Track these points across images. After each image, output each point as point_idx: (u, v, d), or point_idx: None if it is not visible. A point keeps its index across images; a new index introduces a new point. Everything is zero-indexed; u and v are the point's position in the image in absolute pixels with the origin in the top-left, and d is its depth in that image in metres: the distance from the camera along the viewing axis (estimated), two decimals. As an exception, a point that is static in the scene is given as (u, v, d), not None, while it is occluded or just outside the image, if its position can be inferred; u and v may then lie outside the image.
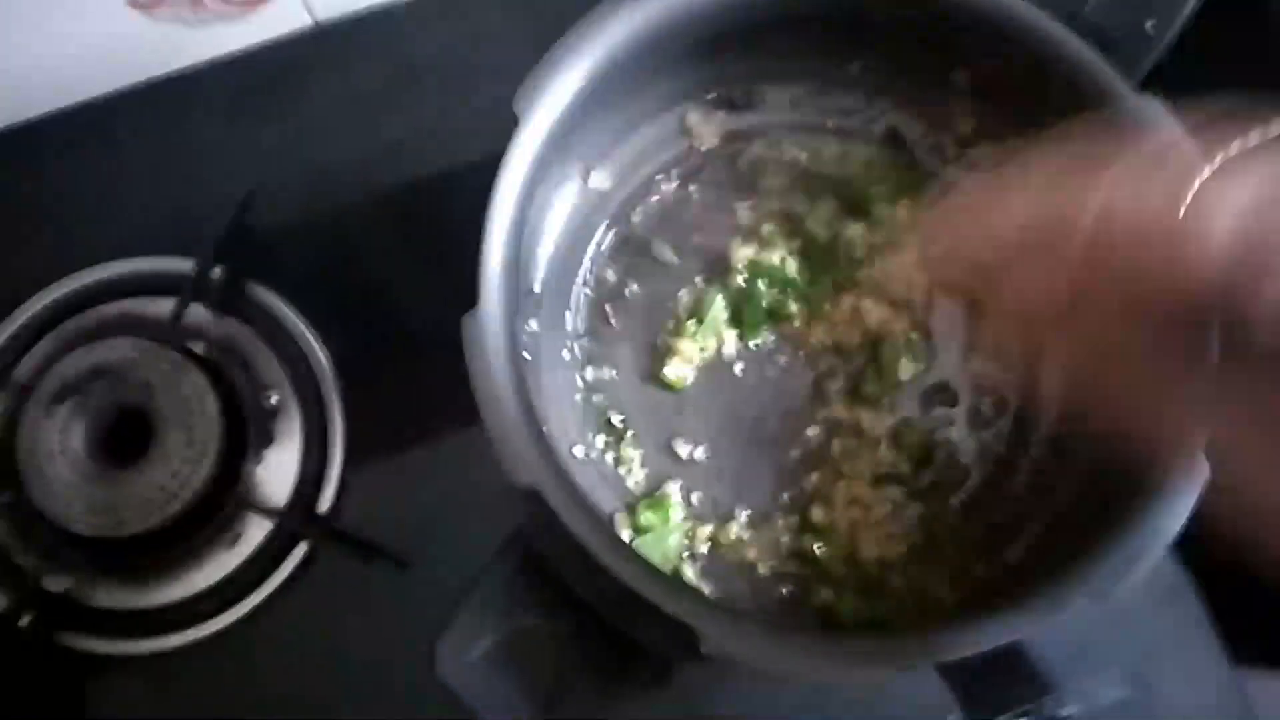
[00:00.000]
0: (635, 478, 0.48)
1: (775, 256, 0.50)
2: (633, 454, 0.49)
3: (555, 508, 0.37)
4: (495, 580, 0.39)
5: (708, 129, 0.52)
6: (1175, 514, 0.38)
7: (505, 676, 0.38)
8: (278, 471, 0.53)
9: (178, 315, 0.53)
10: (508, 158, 0.41)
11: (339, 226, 0.59)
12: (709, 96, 0.52)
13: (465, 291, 0.56)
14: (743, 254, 0.50)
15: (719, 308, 0.49)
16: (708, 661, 0.37)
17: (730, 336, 0.50)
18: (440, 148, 0.61)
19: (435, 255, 0.58)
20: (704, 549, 0.47)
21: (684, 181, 0.52)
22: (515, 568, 0.40)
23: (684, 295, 0.51)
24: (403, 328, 0.57)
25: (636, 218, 0.52)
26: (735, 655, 0.36)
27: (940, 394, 0.50)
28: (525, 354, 0.44)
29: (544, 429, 0.40)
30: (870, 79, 0.51)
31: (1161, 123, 0.41)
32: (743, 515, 0.48)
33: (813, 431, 0.49)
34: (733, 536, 0.47)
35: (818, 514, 0.48)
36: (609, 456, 0.49)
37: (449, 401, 0.54)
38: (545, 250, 0.50)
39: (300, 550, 0.52)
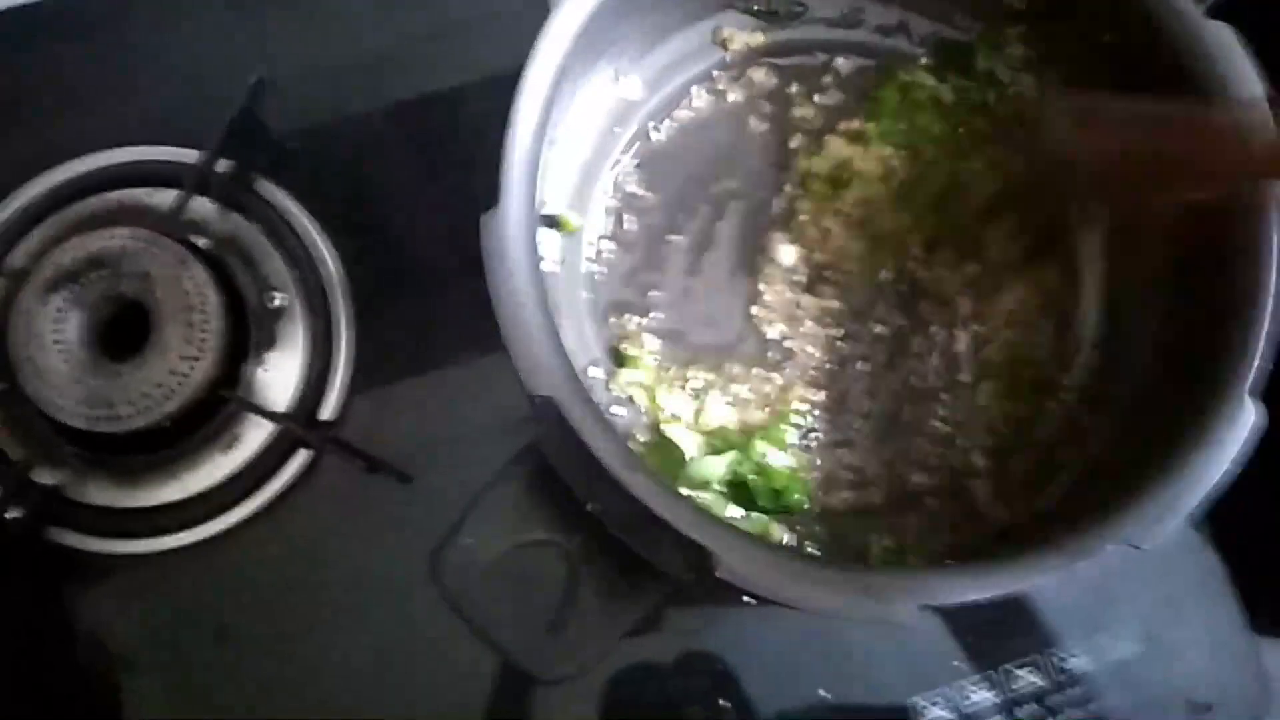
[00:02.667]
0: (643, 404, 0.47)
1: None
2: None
3: (572, 419, 0.36)
4: (504, 493, 0.38)
5: (743, 39, 0.50)
6: (1217, 461, 0.37)
7: (507, 591, 0.37)
8: (279, 375, 0.51)
9: (180, 206, 0.50)
10: (537, 47, 0.39)
11: (354, 127, 0.56)
12: (747, 4, 0.49)
13: (482, 202, 0.55)
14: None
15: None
16: (715, 589, 0.36)
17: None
18: (461, 52, 0.58)
19: (453, 165, 0.56)
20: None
21: (716, 96, 0.50)
22: (526, 481, 0.38)
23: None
24: (416, 237, 0.55)
25: (665, 129, 0.50)
26: (747, 580, 0.35)
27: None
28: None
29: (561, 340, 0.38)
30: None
31: (1232, 49, 0.39)
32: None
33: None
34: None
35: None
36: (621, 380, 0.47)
37: (460, 318, 0.53)
38: (567, 155, 0.47)
39: (300, 457, 0.50)
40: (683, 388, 0.47)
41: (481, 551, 0.37)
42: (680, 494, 0.36)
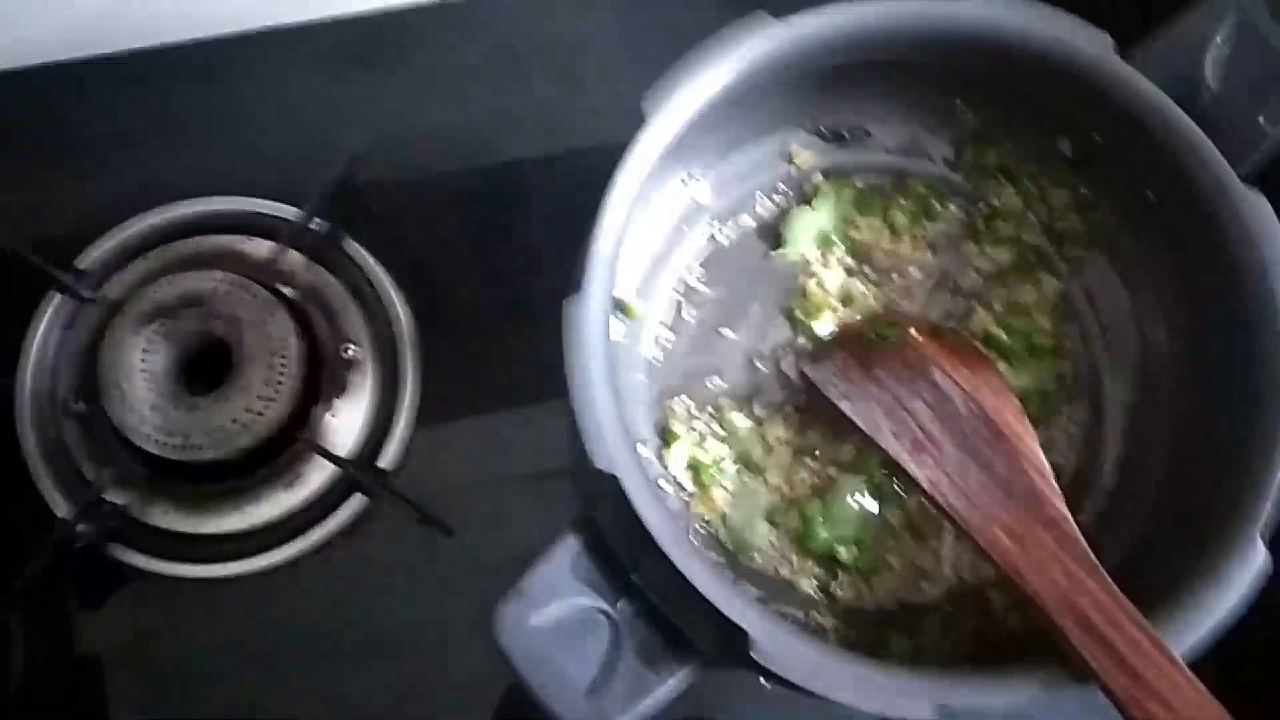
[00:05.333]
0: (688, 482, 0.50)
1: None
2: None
3: (631, 496, 0.39)
4: (563, 554, 0.40)
5: (809, 157, 0.54)
6: (1224, 599, 0.39)
7: (558, 650, 0.39)
8: (346, 421, 0.54)
9: (275, 258, 0.54)
10: (630, 153, 0.43)
11: (433, 193, 0.61)
12: (816, 126, 0.53)
13: (544, 272, 0.58)
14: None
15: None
16: (748, 668, 0.38)
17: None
18: (536, 129, 0.63)
19: (521, 233, 0.60)
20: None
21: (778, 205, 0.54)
22: (583, 546, 0.41)
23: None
24: (481, 298, 0.58)
25: (728, 231, 0.54)
26: (784, 668, 0.37)
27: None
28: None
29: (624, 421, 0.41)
30: (976, 136, 0.52)
31: (1264, 218, 0.42)
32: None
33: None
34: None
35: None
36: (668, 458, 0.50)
37: (517, 376, 0.57)
38: (638, 246, 0.51)
39: (355, 501, 0.53)
40: (721, 471, 0.50)
41: (539, 608, 0.40)
42: (725, 577, 0.38)
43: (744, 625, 0.38)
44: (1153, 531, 0.46)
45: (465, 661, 0.51)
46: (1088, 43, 0.44)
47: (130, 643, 0.53)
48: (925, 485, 0.45)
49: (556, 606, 0.40)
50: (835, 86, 0.51)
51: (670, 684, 0.40)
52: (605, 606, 0.41)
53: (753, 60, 0.44)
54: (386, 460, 0.54)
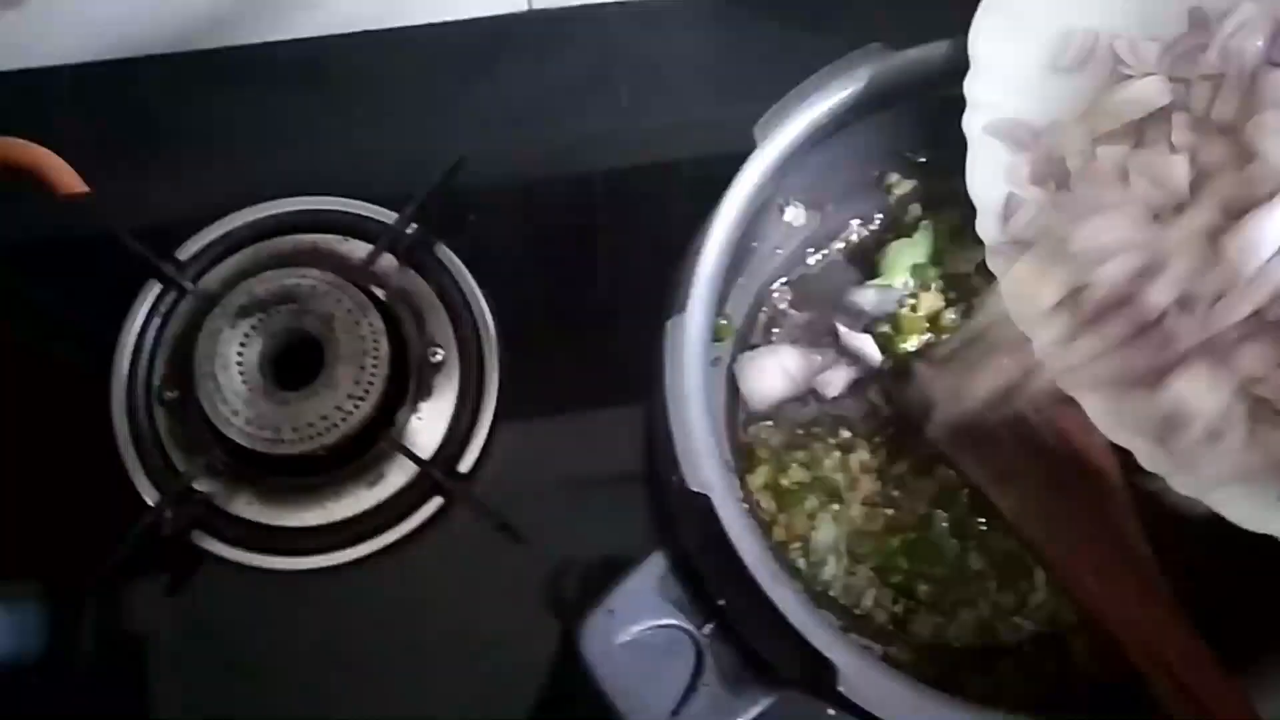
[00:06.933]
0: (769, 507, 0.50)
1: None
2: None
3: (724, 520, 0.39)
4: (650, 573, 0.41)
5: (906, 187, 0.53)
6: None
7: (642, 668, 0.40)
8: (430, 424, 0.55)
9: (371, 260, 0.55)
10: (740, 178, 0.43)
11: (522, 201, 0.61)
12: (915, 158, 0.53)
13: (625, 283, 0.59)
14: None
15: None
16: (831, 699, 0.38)
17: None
18: (625, 144, 0.63)
19: (603, 244, 0.61)
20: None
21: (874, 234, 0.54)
22: (669, 564, 0.41)
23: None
24: (566, 309, 0.59)
25: (819, 257, 0.54)
26: (869, 702, 0.37)
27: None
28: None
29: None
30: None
31: None
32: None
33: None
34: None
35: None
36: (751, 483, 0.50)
37: (595, 386, 0.57)
38: (733, 267, 0.51)
39: (434, 503, 0.54)
40: (803, 497, 0.50)
41: (620, 627, 0.40)
42: (813, 607, 0.38)
43: (831, 657, 0.38)
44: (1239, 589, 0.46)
45: (530, 667, 0.52)
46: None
47: (201, 627, 0.54)
48: (1008, 515, 0.45)
49: (642, 625, 0.40)
50: (937, 119, 0.51)
51: (753, 711, 0.41)
52: (690, 628, 0.41)
53: (866, 91, 0.44)
54: (467, 464, 0.54)
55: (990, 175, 0.37)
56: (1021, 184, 0.39)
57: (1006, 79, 0.36)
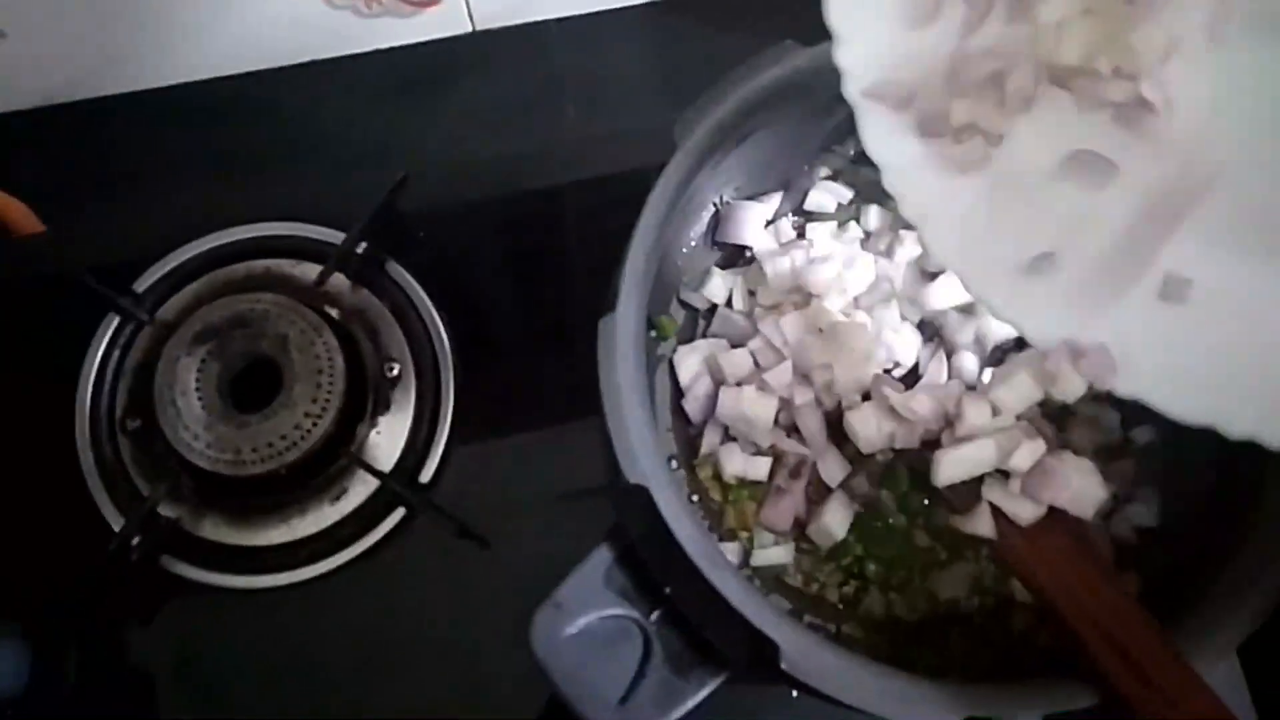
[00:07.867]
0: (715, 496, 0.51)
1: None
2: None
3: (662, 509, 0.40)
4: (597, 566, 0.42)
5: (839, 181, 0.55)
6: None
7: (591, 659, 0.41)
8: (389, 437, 0.56)
9: (322, 280, 0.56)
10: (661, 177, 0.44)
11: (472, 218, 0.63)
12: (844, 151, 0.54)
13: (578, 294, 0.60)
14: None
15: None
16: (777, 678, 0.39)
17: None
18: (571, 159, 0.65)
19: (556, 257, 0.62)
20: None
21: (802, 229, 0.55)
22: (616, 557, 0.42)
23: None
24: (519, 320, 0.60)
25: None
26: (813, 678, 0.38)
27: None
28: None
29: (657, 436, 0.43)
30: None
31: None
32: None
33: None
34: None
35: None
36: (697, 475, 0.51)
37: (551, 395, 0.59)
38: (671, 266, 0.53)
39: (397, 515, 0.55)
40: (751, 484, 0.51)
41: (573, 618, 0.41)
42: (756, 589, 0.39)
43: (774, 637, 0.39)
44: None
45: (503, 670, 0.53)
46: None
47: (178, 651, 0.55)
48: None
49: (590, 616, 0.41)
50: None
51: (701, 693, 0.41)
52: (638, 617, 0.42)
53: (778, 87, 0.45)
54: (427, 474, 0.55)
55: (883, 136, 0.37)
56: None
57: (868, 44, 0.37)
